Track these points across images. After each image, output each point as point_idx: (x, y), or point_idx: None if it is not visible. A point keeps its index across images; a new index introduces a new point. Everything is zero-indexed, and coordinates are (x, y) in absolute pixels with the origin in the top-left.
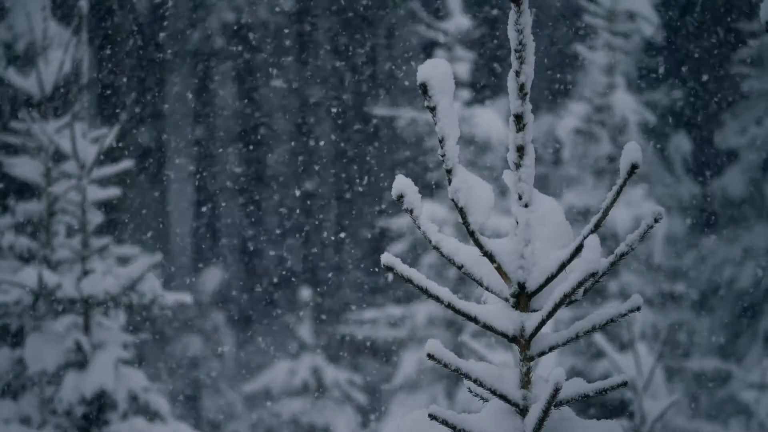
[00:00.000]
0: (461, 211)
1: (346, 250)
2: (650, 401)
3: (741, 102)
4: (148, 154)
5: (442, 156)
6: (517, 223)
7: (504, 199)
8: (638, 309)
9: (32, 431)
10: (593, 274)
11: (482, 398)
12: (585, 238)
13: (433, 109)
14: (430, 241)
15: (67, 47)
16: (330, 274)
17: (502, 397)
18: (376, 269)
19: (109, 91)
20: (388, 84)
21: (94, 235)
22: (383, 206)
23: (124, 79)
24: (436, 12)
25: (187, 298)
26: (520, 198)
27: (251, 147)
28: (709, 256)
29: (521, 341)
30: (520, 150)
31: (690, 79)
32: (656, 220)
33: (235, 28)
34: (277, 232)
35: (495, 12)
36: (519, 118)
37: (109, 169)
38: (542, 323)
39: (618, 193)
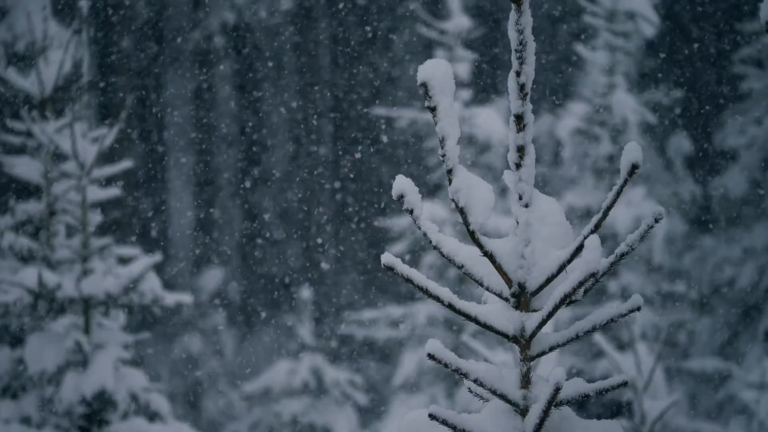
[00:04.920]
0: (461, 211)
1: (347, 250)
2: (650, 401)
3: (741, 102)
4: (148, 153)
5: (443, 156)
6: (518, 223)
7: (504, 199)
8: (638, 309)
9: (32, 431)
10: (593, 274)
11: (482, 398)
12: (585, 238)
13: (433, 110)
14: (430, 241)
15: (67, 47)
16: (330, 274)
17: (502, 397)
18: (376, 269)
19: (109, 91)
20: (388, 84)
21: (94, 235)
22: (383, 206)
23: (124, 79)
24: (437, 12)
25: (187, 298)
26: (520, 198)
27: (251, 147)
28: (709, 256)
29: (521, 341)
30: (521, 150)
31: (690, 79)
32: (656, 220)
33: (235, 27)
34: (278, 231)
35: (494, 11)
36: (519, 118)
37: (109, 169)
38: (542, 323)
39: (618, 193)
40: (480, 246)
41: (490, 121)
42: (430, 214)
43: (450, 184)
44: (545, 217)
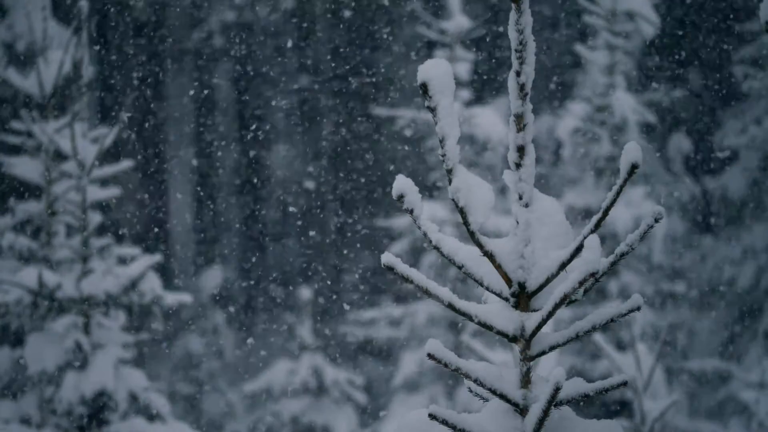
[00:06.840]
0: (461, 211)
1: (346, 249)
2: (650, 401)
3: (741, 102)
4: (148, 153)
5: (443, 156)
6: (517, 223)
7: (504, 199)
8: (638, 309)
9: (32, 431)
10: (593, 274)
11: (482, 398)
12: (585, 238)
13: (433, 109)
14: (430, 241)
15: (67, 47)
16: (330, 274)
17: (502, 397)
18: (376, 269)
19: (109, 91)
20: (388, 84)
21: (94, 235)
22: (383, 206)
23: (124, 79)
24: (437, 12)
25: (187, 298)
26: (520, 198)
27: (251, 146)
28: (709, 256)
29: (521, 341)
30: (520, 150)
31: (690, 79)
32: (656, 220)
33: (235, 26)
34: (278, 231)
35: (494, 11)
36: (519, 118)
37: (109, 169)
38: (542, 323)
39: (618, 193)
40: (480, 246)
41: (490, 121)
42: (430, 214)
43: (450, 184)
44: (545, 217)
